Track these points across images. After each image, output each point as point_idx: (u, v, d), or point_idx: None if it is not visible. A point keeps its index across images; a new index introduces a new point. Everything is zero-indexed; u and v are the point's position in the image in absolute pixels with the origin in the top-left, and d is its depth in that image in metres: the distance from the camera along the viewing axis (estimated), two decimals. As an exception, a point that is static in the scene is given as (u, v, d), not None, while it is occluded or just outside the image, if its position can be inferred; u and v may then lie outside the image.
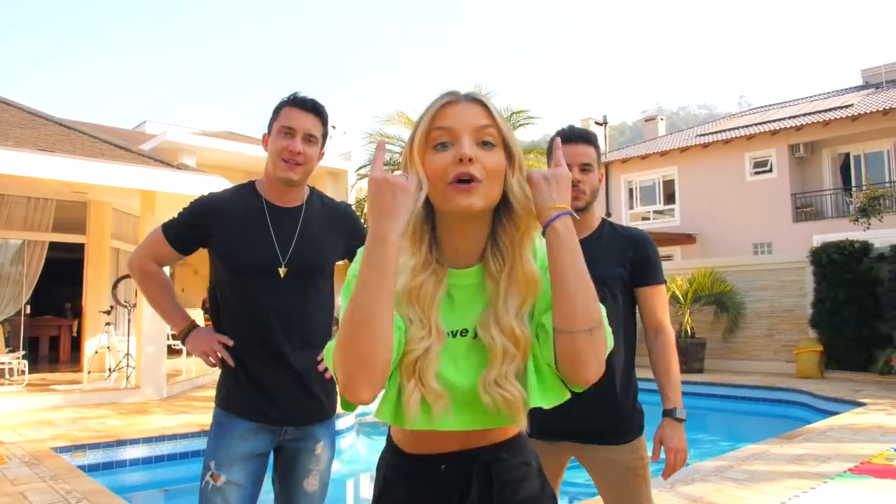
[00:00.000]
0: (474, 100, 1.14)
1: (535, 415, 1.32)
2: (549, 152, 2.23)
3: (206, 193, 2.19)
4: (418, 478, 1.20)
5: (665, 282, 2.22)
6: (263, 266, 2.05)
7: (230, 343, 2.06)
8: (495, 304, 1.13)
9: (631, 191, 22.99)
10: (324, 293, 2.17)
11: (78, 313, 11.49)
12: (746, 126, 21.07)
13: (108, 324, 9.61)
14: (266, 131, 2.13)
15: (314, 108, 2.09)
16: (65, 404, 7.74)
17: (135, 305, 9.01)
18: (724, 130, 21.64)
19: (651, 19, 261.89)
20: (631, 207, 22.69)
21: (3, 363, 8.76)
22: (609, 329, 1.12)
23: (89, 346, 10.15)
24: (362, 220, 2.36)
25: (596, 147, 2.15)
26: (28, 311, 10.53)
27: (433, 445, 1.17)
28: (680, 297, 11.53)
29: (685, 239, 19.84)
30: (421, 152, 1.11)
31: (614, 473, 2.07)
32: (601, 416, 2.06)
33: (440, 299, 1.14)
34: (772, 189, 19.35)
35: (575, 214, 1.13)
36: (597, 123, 24.14)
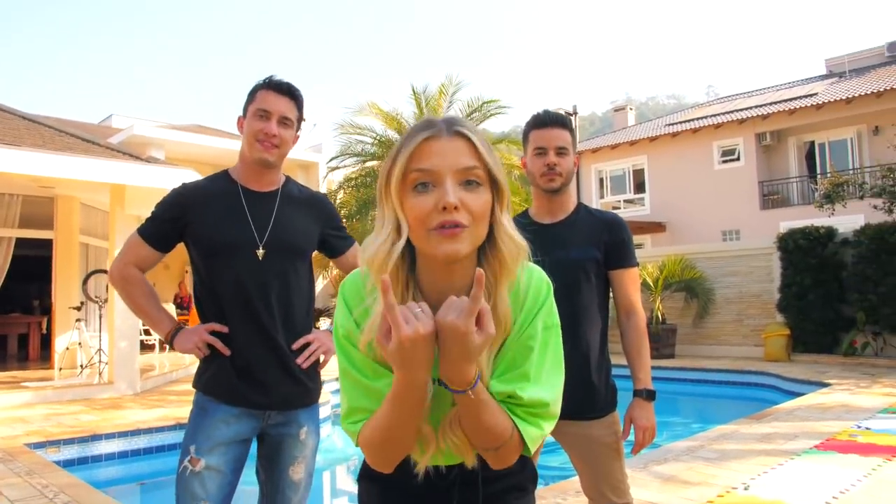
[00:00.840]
0: (457, 133, 1.04)
1: None
2: (523, 140, 2.28)
3: (177, 185, 2.18)
4: (398, 488, 1.20)
5: (637, 265, 2.29)
6: (241, 247, 2.05)
7: (224, 329, 2.05)
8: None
9: (602, 180, 23.23)
10: (302, 276, 2.17)
11: (47, 310, 11.32)
12: (714, 115, 21.40)
13: (78, 320, 9.48)
14: (241, 114, 2.13)
15: (290, 92, 2.10)
16: (37, 401, 7.64)
17: (106, 300, 8.91)
18: (693, 120, 21.95)
19: (620, 10, 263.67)
20: (601, 196, 22.93)
21: (-29, 361, 8.59)
22: (528, 433, 1.08)
23: (60, 343, 10.01)
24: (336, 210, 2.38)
25: (571, 131, 2.21)
26: (-5, 308, 10.35)
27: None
28: (651, 283, 11.72)
29: (655, 227, 20.13)
30: (399, 193, 1.04)
31: (588, 448, 2.14)
32: (575, 392, 2.10)
33: None
34: (739, 177, 19.71)
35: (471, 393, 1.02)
36: (567, 113, 24.23)
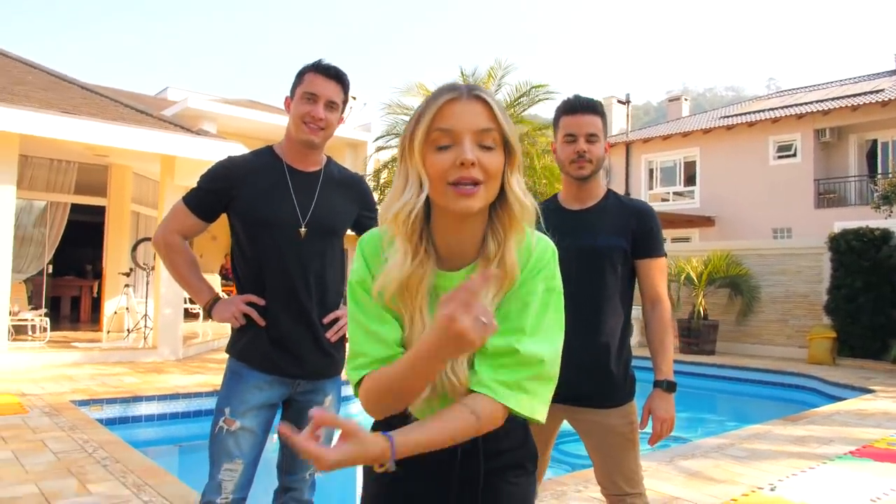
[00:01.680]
0: (476, 97, 1.13)
1: None
2: (553, 125, 2.27)
3: (223, 158, 2.24)
4: (407, 486, 1.23)
5: (665, 255, 2.25)
6: (285, 224, 2.11)
7: (260, 302, 2.12)
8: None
9: (651, 171, 22.83)
10: (336, 255, 2.25)
11: (98, 275, 11.74)
12: (772, 109, 20.76)
13: (127, 286, 9.84)
14: (289, 94, 2.19)
15: (337, 76, 2.15)
16: (84, 361, 7.97)
17: (153, 268, 9.21)
18: (749, 113, 21.35)
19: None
20: (650, 188, 22.54)
21: (26, 320, 9.00)
22: (507, 395, 1.11)
23: (109, 307, 10.41)
24: (376, 194, 2.43)
25: (602, 117, 2.17)
26: (50, 271, 10.79)
27: None
28: (694, 278, 11.52)
29: (704, 221, 19.71)
30: (422, 151, 1.12)
31: (604, 436, 2.13)
32: (593, 380, 2.12)
33: (428, 295, 1.16)
34: (795, 174, 19.13)
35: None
36: (619, 102, 23.88)
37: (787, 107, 20.45)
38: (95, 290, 12.64)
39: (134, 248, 9.84)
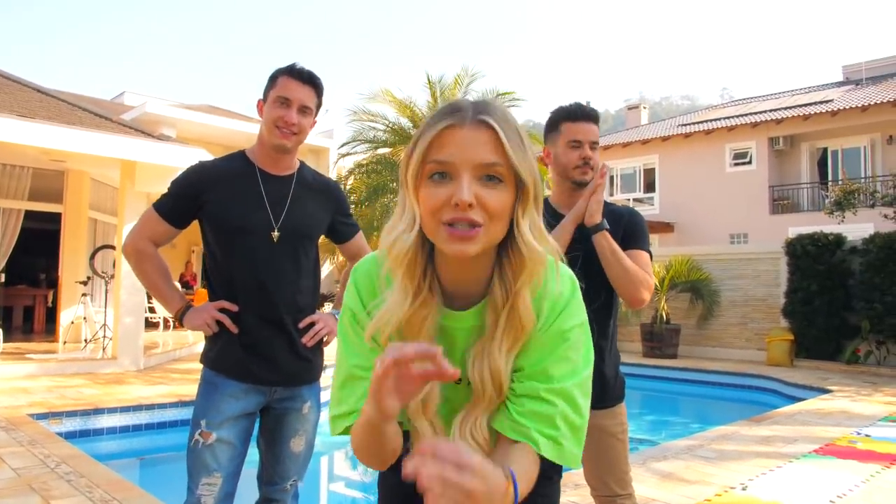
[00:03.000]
0: (482, 122, 0.95)
1: None
2: (547, 130, 2.26)
3: (194, 163, 2.21)
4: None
5: (650, 253, 2.24)
6: (257, 230, 2.08)
7: (233, 308, 2.08)
8: (490, 341, 1.03)
9: (612, 178, 23.16)
10: (311, 259, 2.22)
11: (53, 284, 11.37)
12: (728, 118, 21.30)
13: (84, 294, 9.55)
14: (262, 98, 2.15)
15: (310, 80, 2.13)
16: (40, 373, 7.70)
17: (112, 276, 8.96)
18: (706, 121, 21.86)
19: (636, 8, 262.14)
20: (611, 194, 22.86)
21: (-23, 331, 8.67)
22: None
23: (65, 317, 10.09)
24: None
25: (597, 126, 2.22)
26: (2, 280, 10.42)
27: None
28: (656, 283, 11.71)
29: (664, 227, 20.09)
30: (415, 181, 0.98)
31: (596, 437, 2.13)
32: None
33: (432, 336, 1.04)
34: (750, 181, 19.64)
35: None
36: (580, 110, 24.14)
37: (742, 115, 21.01)
38: (50, 299, 12.24)
39: (92, 256, 9.57)
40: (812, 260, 10.88)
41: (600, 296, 2.12)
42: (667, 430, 7.44)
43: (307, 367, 2.18)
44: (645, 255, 2.22)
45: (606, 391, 2.16)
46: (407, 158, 1.00)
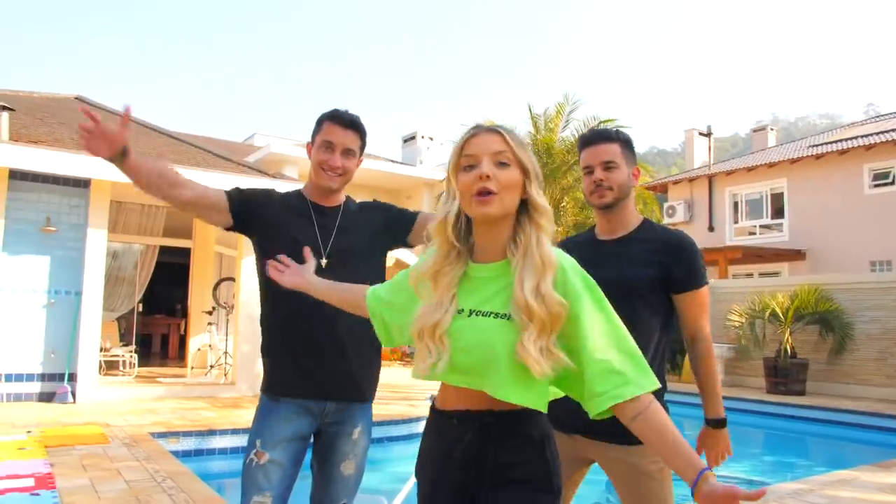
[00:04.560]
0: (493, 131, 1.46)
1: (550, 409, 1.47)
2: (579, 153, 2.27)
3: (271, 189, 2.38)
4: (438, 429, 1.52)
5: (704, 285, 2.15)
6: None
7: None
8: (513, 286, 1.40)
9: (736, 204, 22.04)
10: (362, 279, 2.29)
11: (186, 313, 12.34)
12: (866, 136, 19.76)
13: (210, 323, 10.30)
14: (310, 140, 2.32)
15: (352, 124, 2.27)
16: (168, 396, 8.38)
17: (233, 307, 9.61)
18: (840, 140, 20.38)
19: (766, 22, 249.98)
20: (736, 221, 21.73)
21: (117, 355, 9.56)
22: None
23: (193, 344, 10.91)
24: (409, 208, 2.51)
25: (621, 143, 2.17)
26: (140, 309, 11.43)
27: (452, 402, 1.48)
28: (780, 314, 11.00)
29: (794, 255, 18.80)
30: (455, 173, 1.46)
31: (630, 475, 2.04)
32: None
33: (457, 282, 1.47)
34: (894, 203, 18.05)
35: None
36: (701, 134, 23.36)
37: (882, 132, 19.42)
38: (183, 327, 13.28)
39: (215, 287, 10.33)
40: (962, 289, 9.84)
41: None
42: (788, 473, 6.93)
43: (357, 385, 2.26)
44: (697, 294, 2.14)
45: None
46: (451, 161, 1.48)
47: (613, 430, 2.02)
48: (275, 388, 2.23)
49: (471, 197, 1.41)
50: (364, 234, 2.34)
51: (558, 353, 1.36)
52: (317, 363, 2.19)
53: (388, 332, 1.68)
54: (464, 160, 1.44)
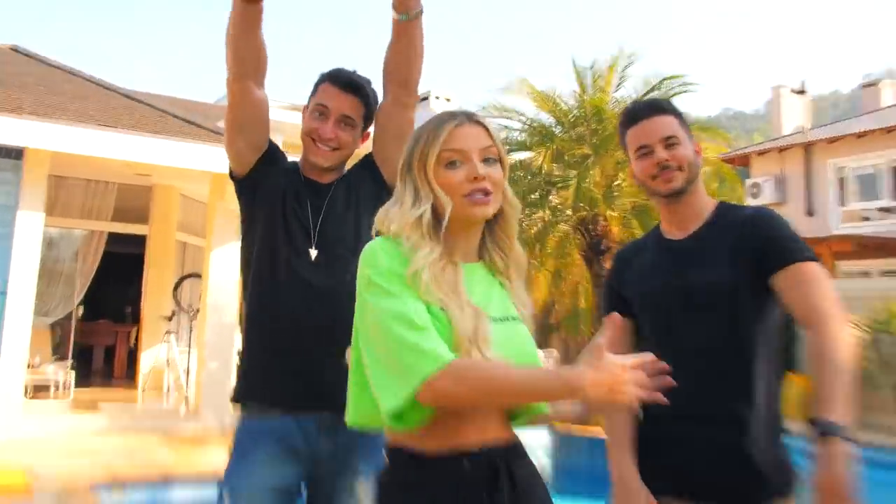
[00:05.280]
0: (478, 122, 1.64)
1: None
2: (623, 142, 2.28)
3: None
4: (440, 477, 1.50)
5: (813, 259, 1.94)
6: (295, 242, 2.24)
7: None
8: (510, 288, 1.70)
9: (842, 180, 21.57)
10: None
11: (138, 318, 12.10)
12: None
13: (168, 332, 10.04)
14: (306, 104, 2.34)
15: (353, 86, 2.27)
16: (112, 429, 8.18)
17: (198, 311, 9.36)
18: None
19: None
20: (842, 203, 21.27)
21: (48, 377, 9.32)
22: None
23: (146, 359, 10.67)
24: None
25: (675, 114, 2.16)
26: (80, 313, 11.21)
27: (456, 439, 1.49)
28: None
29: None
30: (433, 169, 1.58)
31: None
32: (721, 467, 1.90)
33: (462, 284, 1.56)
34: None
35: None
36: (794, 92, 22.95)
37: None
38: (133, 337, 13.04)
39: (177, 286, 10.09)
40: None
41: (699, 348, 2.01)
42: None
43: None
44: (807, 268, 1.92)
45: (754, 481, 1.89)
46: (420, 152, 1.60)
47: (722, 486, 1.92)
48: (255, 393, 2.20)
49: (461, 197, 1.57)
50: (355, 212, 2.32)
51: None
52: (305, 363, 2.16)
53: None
54: (446, 154, 1.58)
